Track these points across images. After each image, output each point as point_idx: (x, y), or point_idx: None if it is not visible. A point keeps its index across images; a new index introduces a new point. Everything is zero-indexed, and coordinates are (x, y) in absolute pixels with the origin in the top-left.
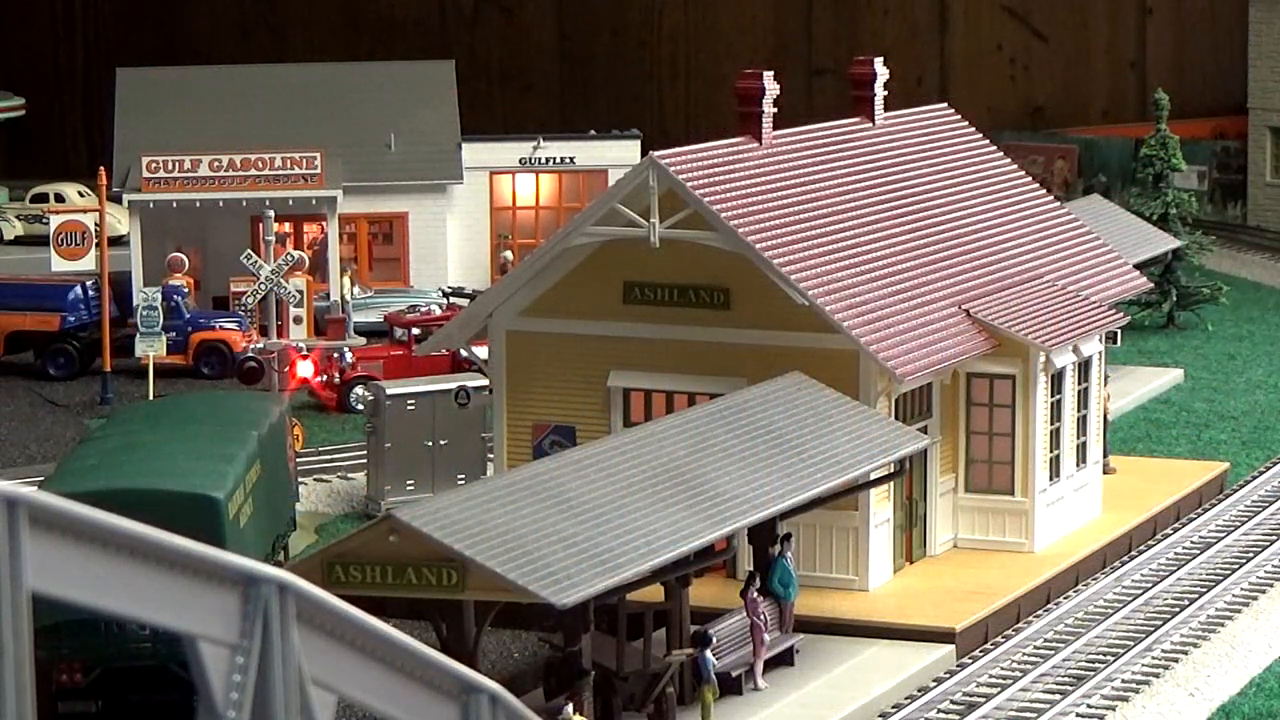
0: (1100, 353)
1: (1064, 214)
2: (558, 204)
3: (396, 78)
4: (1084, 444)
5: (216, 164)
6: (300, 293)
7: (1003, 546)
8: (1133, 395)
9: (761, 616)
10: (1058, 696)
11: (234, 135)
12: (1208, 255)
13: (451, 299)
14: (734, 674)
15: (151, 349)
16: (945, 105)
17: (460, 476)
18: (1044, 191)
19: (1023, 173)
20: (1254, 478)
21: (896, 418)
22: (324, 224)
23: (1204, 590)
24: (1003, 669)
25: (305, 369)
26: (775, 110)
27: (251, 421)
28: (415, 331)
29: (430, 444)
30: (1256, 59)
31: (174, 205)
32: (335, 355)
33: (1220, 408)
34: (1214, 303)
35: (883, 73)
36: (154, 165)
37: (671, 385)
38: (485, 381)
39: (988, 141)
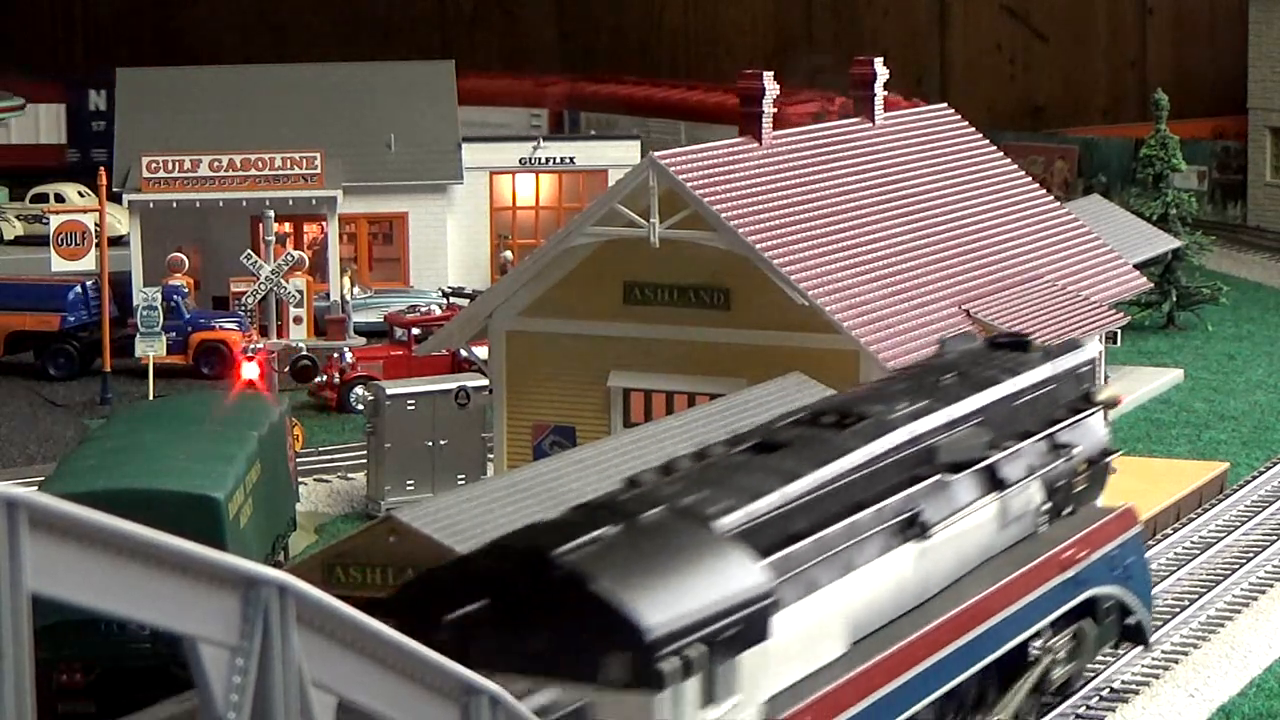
0: (1100, 353)
1: (1064, 214)
2: (558, 204)
3: (396, 78)
4: None
5: (216, 164)
6: (300, 293)
7: None
8: (1133, 395)
9: None
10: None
11: (234, 135)
12: (1208, 255)
13: (451, 299)
14: None
15: (151, 349)
16: (945, 105)
17: (460, 476)
18: (1044, 191)
19: (1023, 173)
20: (1254, 478)
21: None
22: (324, 224)
23: (1204, 590)
24: None
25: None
26: (775, 110)
27: (251, 421)
28: (415, 331)
29: (430, 444)
30: (1256, 59)
31: (174, 205)
32: (335, 355)
33: (1220, 408)
34: (1214, 303)
35: (883, 73)
36: (154, 165)
37: (671, 385)
38: (485, 381)
39: (988, 141)
